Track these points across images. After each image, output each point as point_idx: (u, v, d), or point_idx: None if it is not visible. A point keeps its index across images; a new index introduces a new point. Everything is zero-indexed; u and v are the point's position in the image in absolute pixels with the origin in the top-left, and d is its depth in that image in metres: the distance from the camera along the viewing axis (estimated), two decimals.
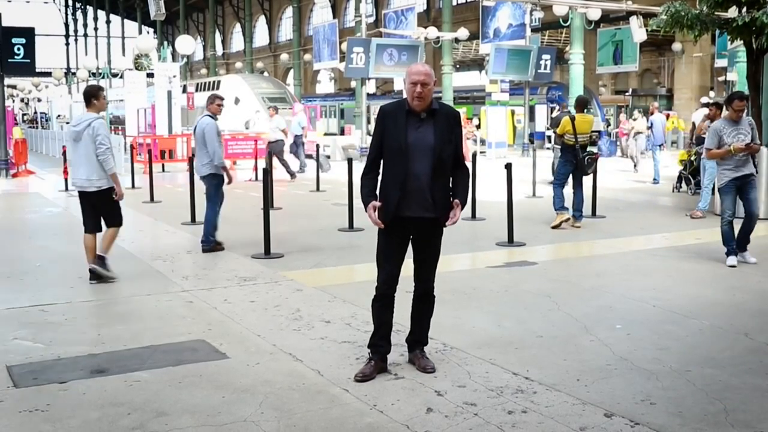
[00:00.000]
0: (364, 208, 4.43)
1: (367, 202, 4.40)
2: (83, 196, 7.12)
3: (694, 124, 15.49)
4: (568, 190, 10.47)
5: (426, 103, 4.35)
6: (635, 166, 20.07)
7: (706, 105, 12.04)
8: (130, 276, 7.43)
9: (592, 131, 10.64)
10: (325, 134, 32.10)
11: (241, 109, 32.58)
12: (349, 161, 10.84)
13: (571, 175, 10.50)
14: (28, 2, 71.72)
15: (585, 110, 10.66)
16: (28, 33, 18.26)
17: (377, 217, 4.35)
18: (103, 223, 7.17)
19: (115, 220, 7.19)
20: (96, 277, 7.00)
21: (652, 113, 19.19)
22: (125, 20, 78.97)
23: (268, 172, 9.00)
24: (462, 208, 4.44)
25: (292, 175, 17.80)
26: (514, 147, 28.82)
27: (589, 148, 10.45)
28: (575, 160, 10.22)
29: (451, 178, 4.47)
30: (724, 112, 8.30)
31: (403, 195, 4.33)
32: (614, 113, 36.36)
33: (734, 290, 6.70)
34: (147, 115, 26.69)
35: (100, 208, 7.09)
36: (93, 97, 7.05)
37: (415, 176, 4.32)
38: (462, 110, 29.95)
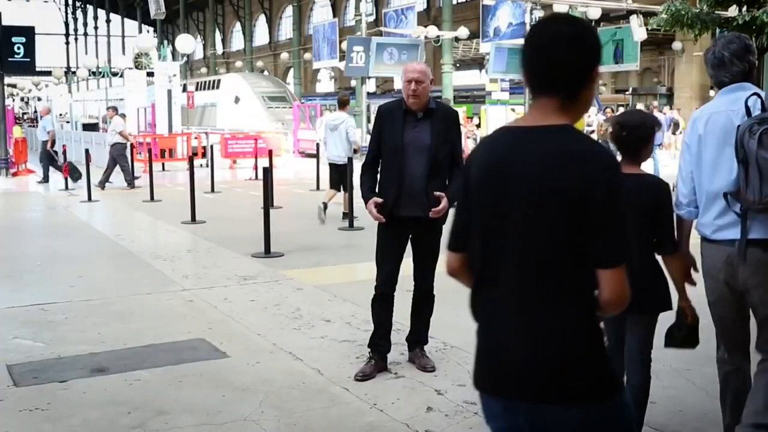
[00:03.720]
0: (364, 203, 4.43)
1: (367, 198, 4.41)
2: (333, 167, 10.77)
3: None
4: None
5: (422, 102, 4.35)
6: None
7: None
8: (130, 275, 7.43)
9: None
10: None
11: (241, 109, 32.55)
12: (349, 160, 10.83)
13: None
14: (28, 1, 71.69)
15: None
16: (28, 32, 18.26)
17: (377, 212, 4.36)
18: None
19: (346, 186, 10.51)
20: (324, 210, 10.39)
21: (651, 111, 19.19)
22: (125, 19, 78.88)
23: (267, 171, 9.01)
24: (450, 204, 4.33)
25: (131, 183, 15.72)
26: None
27: None
28: None
29: (447, 179, 4.45)
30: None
31: (399, 195, 4.32)
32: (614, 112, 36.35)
33: None
34: (147, 114, 26.68)
35: (341, 176, 10.53)
36: (346, 103, 10.87)
37: (411, 176, 4.31)
38: (462, 109, 29.92)
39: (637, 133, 3.24)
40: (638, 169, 3.27)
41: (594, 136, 18.51)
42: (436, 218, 4.39)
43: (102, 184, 15.39)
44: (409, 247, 4.56)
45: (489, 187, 1.87)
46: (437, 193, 4.31)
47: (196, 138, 23.85)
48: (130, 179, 15.74)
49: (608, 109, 13.93)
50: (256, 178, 17.18)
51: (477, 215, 1.92)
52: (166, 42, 37.65)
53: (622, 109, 32.52)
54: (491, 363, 1.91)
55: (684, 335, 3.42)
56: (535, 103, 1.89)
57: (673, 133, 21.51)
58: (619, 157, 3.12)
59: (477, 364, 1.95)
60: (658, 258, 3.30)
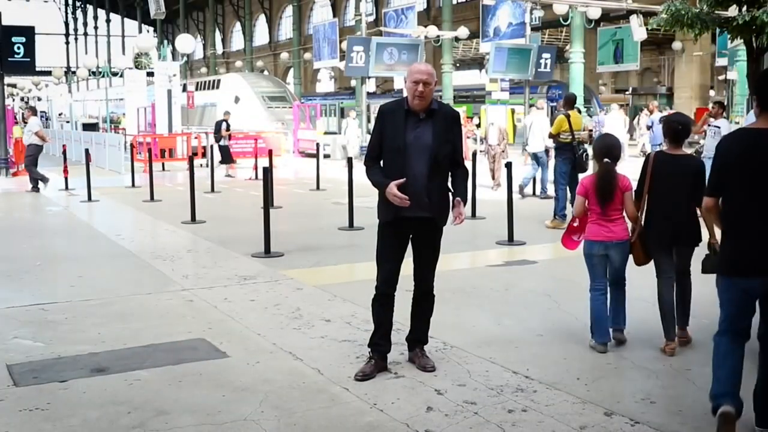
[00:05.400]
0: (381, 190, 4.34)
1: (384, 184, 4.31)
2: None
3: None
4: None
5: (426, 103, 4.35)
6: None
7: (716, 103, 12.07)
8: (130, 275, 7.44)
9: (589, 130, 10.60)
10: (325, 133, 32.10)
11: (241, 108, 32.54)
12: (349, 160, 10.83)
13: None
14: (28, 1, 71.62)
15: (575, 107, 10.70)
16: (28, 32, 18.25)
17: (396, 200, 4.27)
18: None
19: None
20: None
21: (651, 112, 19.15)
22: (125, 19, 78.86)
23: (267, 171, 9.01)
24: (464, 205, 4.42)
25: (35, 187, 15.24)
26: (514, 146, 28.78)
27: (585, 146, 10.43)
28: (574, 157, 10.19)
29: (449, 178, 4.48)
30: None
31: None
32: None
33: None
34: (147, 114, 26.68)
35: None
36: None
37: (413, 176, 4.31)
38: (462, 109, 29.90)
39: (687, 128, 4.96)
40: (682, 151, 4.97)
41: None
42: (441, 220, 4.42)
43: (35, 187, 15.16)
44: (409, 248, 4.56)
45: (743, 160, 3.48)
46: (458, 199, 4.37)
47: (196, 138, 23.86)
48: (35, 184, 15.25)
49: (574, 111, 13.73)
50: (256, 178, 17.18)
51: (732, 176, 3.51)
52: (166, 42, 37.65)
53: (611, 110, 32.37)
54: (739, 257, 3.55)
55: (712, 263, 4.36)
56: (764, 115, 3.49)
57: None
58: (665, 146, 5.13)
59: (733, 259, 3.60)
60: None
